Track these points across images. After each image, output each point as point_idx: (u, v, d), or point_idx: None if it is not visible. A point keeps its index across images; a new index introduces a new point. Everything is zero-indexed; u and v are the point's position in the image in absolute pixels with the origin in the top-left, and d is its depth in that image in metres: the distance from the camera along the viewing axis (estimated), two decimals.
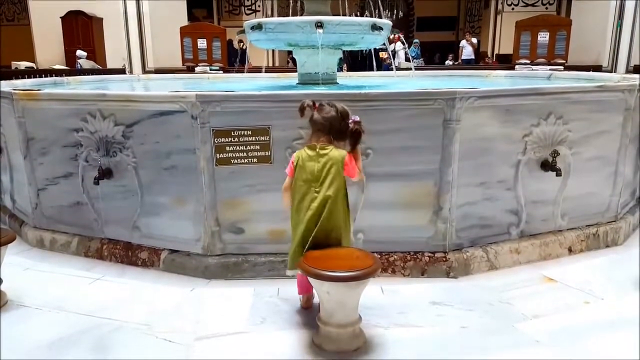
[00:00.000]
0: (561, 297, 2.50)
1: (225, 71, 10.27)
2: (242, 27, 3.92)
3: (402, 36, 11.53)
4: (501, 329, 2.20)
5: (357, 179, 2.14)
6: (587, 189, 3.09)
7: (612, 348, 2.04)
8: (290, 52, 4.33)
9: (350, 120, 2.05)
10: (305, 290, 2.33)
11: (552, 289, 2.60)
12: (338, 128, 2.05)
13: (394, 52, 12.87)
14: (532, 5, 15.23)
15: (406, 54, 12.73)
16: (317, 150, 2.05)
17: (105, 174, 2.87)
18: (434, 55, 17.92)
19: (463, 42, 14.39)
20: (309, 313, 2.29)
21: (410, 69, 7.40)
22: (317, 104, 2.10)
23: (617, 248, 3.18)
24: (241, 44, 11.99)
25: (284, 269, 2.37)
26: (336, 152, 2.05)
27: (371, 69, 6.37)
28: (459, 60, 14.43)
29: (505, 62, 13.06)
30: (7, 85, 3.44)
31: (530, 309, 2.37)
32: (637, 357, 1.96)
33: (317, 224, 2.04)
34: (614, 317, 2.30)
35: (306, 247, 2.07)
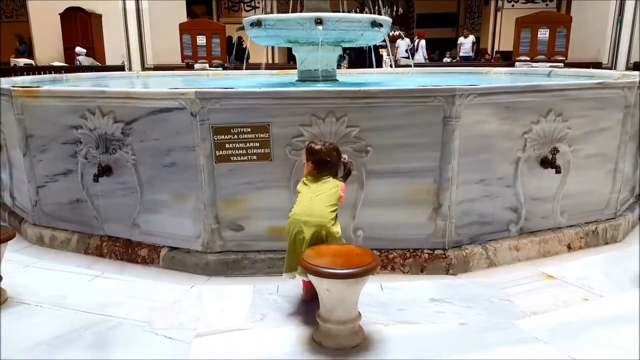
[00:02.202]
0: (560, 294, 2.50)
1: (224, 68, 10.25)
2: (241, 23, 3.91)
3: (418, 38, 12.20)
4: (500, 326, 2.20)
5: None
6: (586, 186, 3.09)
7: (612, 345, 2.05)
8: (290, 49, 4.32)
9: (344, 159, 2.38)
10: (305, 284, 2.35)
11: (551, 285, 2.60)
12: (334, 163, 2.32)
13: (415, 49, 13.19)
14: (532, 1, 15.19)
15: (414, 49, 13.02)
16: (319, 176, 2.29)
17: (105, 171, 2.87)
18: (434, 52, 17.90)
19: (461, 39, 14.37)
20: (308, 309, 2.29)
21: (410, 65, 7.39)
22: (316, 143, 2.33)
23: (616, 245, 3.18)
24: (242, 40, 11.97)
25: (283, 266, 2.37)
26: (335, 180, 2.30)
27: (371, 66, 6.36)
28: (457, 58, 14.42)
29: (505, 59, 13.05)
30: (6, 82, 3.44)
31: (529, 305, 2.37)
32: (637, 355, 1.96)
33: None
34: (613, 314, 2.31)
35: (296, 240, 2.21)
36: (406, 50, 13.00)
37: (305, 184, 2.30)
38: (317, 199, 2.20)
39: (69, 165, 3.02)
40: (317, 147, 2.29)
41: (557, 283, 2.63)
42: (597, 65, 10.34)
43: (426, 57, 13.45)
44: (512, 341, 2.09)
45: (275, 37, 3.81)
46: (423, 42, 13.39)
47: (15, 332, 2.17)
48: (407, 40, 13.12)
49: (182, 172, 2.71)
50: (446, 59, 14.84)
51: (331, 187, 2.25)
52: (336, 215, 2.24)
